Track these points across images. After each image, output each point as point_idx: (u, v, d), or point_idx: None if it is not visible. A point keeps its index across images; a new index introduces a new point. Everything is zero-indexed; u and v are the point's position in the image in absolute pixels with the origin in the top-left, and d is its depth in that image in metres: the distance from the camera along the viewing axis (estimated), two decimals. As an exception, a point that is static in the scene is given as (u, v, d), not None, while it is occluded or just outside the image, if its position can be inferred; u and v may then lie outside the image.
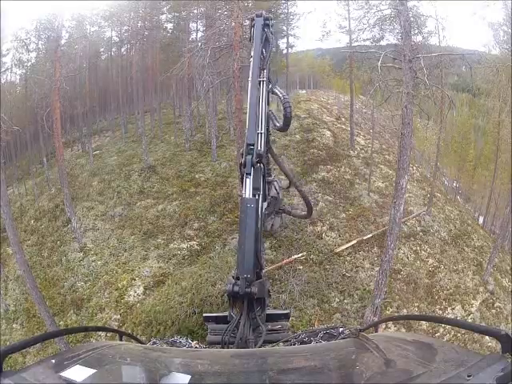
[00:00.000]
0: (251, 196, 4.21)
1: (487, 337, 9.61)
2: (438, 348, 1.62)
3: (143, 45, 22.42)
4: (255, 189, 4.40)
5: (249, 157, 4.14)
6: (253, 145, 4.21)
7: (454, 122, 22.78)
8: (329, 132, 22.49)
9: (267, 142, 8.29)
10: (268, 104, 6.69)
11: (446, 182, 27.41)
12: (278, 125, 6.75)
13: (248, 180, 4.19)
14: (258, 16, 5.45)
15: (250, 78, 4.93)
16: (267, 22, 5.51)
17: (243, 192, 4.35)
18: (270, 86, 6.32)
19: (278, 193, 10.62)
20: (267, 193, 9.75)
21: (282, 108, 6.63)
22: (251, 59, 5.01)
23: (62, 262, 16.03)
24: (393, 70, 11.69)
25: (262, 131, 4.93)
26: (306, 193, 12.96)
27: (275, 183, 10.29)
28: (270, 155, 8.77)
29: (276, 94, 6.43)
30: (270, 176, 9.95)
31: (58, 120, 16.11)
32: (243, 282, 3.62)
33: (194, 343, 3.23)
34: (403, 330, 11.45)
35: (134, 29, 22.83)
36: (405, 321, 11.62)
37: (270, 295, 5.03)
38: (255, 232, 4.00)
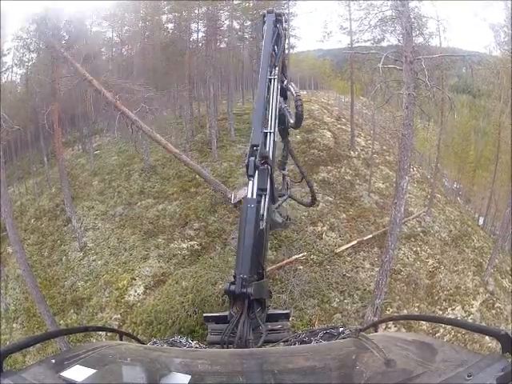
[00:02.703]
0: (254, 197, 4.19)
1: (487, 337, 9.60)
2: (438, 348, 1.62)
3: (144, 45, 22.43)
4: (261, 189, 4.35)
5: (252, 158, 4.05)
6: (257, 146, 4.13)
7: (454, 123, 22.75)
8: (329, 133, 22.48)
9: (285, 136, 8.51)
10: (286, 98, 6.65)
11: (446, 183, 27.39)
12: (291, 121, 6.77)
13: (251, 182, 4.15)
14: (269, 12, 5.26)
15: (259, 77, 4.84)
16: (279, 17, 5.34)
17: (247, 193, 4.29)
18: (286, 82, 6.28)
19: (287, 187, 11.25)
20: (285, 187, 10.35)
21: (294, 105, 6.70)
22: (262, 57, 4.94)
23: (63, 262, 16.05)
24: (394, 71, 11.67)
25: (272, 130, 4.80)
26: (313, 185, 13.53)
27: (287, 178, 10.90)
28: (287, 148, 9.31)
29: (289, 91, 6.42)
30: (284, 169, 10.52)
31: (58, 120, 16.13)
32: (239, 281, 3.63)
33: (194, 343, 3.23)
34: (403, 330, 11.44)
35: (135, 29, 22.86)
36: (405, 321, 11.61)
37: (270, 296, 4.99)
38: (255, 232, 3.98)
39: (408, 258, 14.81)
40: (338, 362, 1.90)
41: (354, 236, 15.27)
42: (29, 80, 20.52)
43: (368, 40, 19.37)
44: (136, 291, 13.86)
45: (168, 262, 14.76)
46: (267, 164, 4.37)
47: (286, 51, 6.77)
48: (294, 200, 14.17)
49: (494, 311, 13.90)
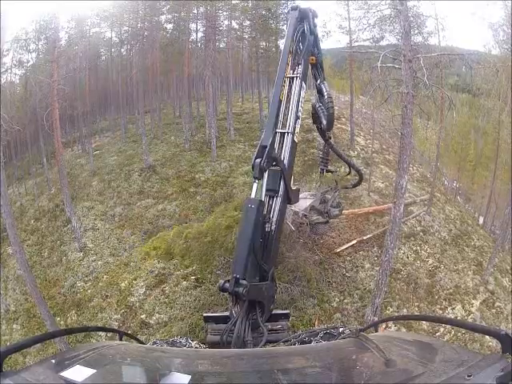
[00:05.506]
0: (260, 198, 4.10)
1: (487, 337, 9.60)
2: (438, 348, 1.62)
3: (143, 45, 22.43)
4: (270, 191, 4.20)
5: (258, 160, 3.90)
6: (266, 147, 3.96)
7: (453, 122, 22.73)
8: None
9: (324, 135, 8.33)
10: (323, 95, 6.39)
11: (446, 182, 27.39)
12: (324, 122, 6.48)
13: (255, 184, 4.03)
14: (293, 9, 5.01)
15: (276, 76, 4.62)
16: (306, 14, 5.07)
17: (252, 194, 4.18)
18: (319, 81, 6.02)
19: (336, 183, 11.79)
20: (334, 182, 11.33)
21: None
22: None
23: (62, 262, 16.04)
24: (393, 70, 11.63)
25: (290, 131, 4.57)
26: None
27: (335, 173, 11.46)
28: (327, 147, 9.54)
29: (320, 91, 6.16)
30: (326, 166, 10.80)
31: (57, 120, 16.12)
32: (233, 281, 3.60)
33: (194, 343, 3.23)
34: (403, 330, 11.43)
35: (134, 29, 22.86)
36: (405, 321, 11.60)
37: (273, 301, 4.84)
38: (253, 233, 3.91)
39: (408, 258, 14.79)
40: (338, 362, 1.90)
41: (354, 235, 15.26)
42: (28, 81, 20.52)
43: (367, 39, 19.36)
44: (137, 291, 13.86)
45: (168, 261, 14.74)
46: (278, 165, 4.21)
47: (321, 47, 6.49)
48: (347, 188, 14.76)
49: (494, 310, 13.88)
